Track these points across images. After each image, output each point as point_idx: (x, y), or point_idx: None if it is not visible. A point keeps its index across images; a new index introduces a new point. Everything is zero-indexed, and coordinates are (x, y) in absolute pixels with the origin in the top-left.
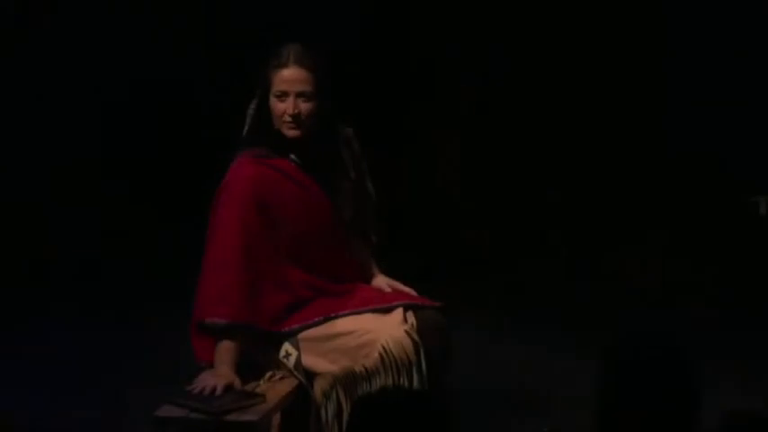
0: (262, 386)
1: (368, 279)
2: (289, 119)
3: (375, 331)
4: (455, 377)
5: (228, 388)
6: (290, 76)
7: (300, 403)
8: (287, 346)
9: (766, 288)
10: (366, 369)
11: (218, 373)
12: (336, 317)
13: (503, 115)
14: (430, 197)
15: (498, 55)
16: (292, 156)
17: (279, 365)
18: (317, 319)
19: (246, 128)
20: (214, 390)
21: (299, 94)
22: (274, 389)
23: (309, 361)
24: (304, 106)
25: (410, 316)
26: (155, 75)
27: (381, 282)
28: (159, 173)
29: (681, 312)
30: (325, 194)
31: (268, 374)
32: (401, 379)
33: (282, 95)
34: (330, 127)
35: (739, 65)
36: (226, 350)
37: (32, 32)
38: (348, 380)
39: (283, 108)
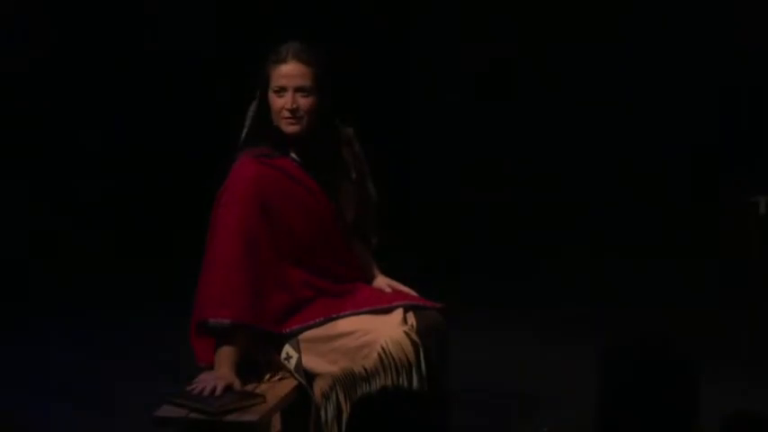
0: (262, 386)
1: (368, 279)
2: (287, 114)
3: (374, 332)
4: (454, 377)
5: (228, 388)
6: (288, 71)
7: (300, 403)
8: (288, 348)
9: (767, 288)
10: (365, 370)
11: (219, 374)
12: (338, 317)
13: (501, 115)
14: (430, 197)
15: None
16: (293, 155)
17: (279, 367)
18: (318, 320)
19: (246, 128)
20: (214, 390)
21: (297, 89)
22: (274, 389)
23: (309, 362)
24: (303, 101)
25: (410, 316)
26: (156, 74)
27: (382, 282)
28: (159, 172)
29: (681, 312)
30: (327, 194)
31: (268, 375)
32: (400, 379)
33: (281, 90)
34: (330, 126)
35: (740, 64)
36: (226, 351)
37: None
38: (348, 381)
39: (282, 103)
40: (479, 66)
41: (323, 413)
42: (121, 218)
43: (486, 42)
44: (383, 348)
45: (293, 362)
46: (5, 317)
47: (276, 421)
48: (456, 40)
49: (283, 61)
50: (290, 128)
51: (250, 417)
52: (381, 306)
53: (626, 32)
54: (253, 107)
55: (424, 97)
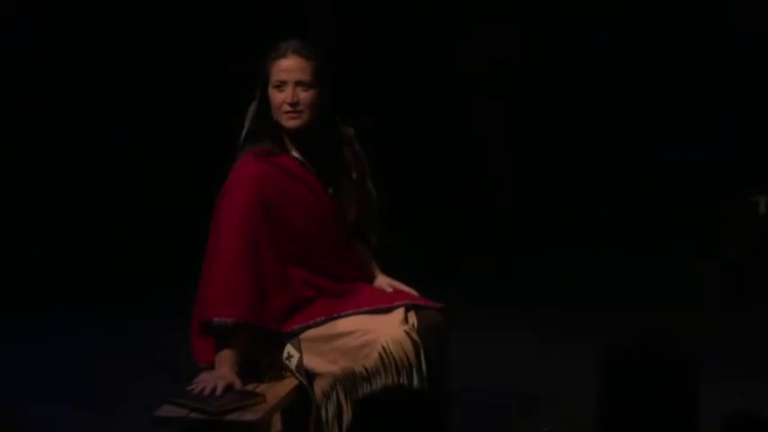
0: (262, 386)
1: (369, 279)
2: (288, 108)
3: (375, 331)
4: (454, 377)
5: (229, 388)
6: (288, 65)
7: (301, 403)
8: (289, 348)
9: (766, 287)
10: (366, 369)
11: (219, 374)
12: (338, 317)
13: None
14: (430, 197)
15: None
16: (294, 153)
17: (280, 366)
18: (318, 320)
19: (246, 128)
20: (214, 390)
21: (297, 83)
22: (274, 389)
23: (310, 361)
24: (303, 95)
25: (411, 316)
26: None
27: (382, 281)
28: (159, 172)
29: (681, 312)
30: (327, 193)
31: (268, 374)
32: (401, 379)
33: (281, 85)
34: (331, 126)
35: (740, 64)
36: (227, 351)
37: None
38: (348, 380)
39: (282, 98)
40: (479, 66)
41: (323, 413)
42: (121, 218)
43: (486, 42)
44: (384, 348)
45: (294, 361)
46: (5, 317)
47: (276, 421)
48: (456, 40)
49: (283, 56)
50: (290, 122)
51: (250, 416)
52: (382, 306)
53: (626, 32)
54: (253, 106)
55: (424, 97)
